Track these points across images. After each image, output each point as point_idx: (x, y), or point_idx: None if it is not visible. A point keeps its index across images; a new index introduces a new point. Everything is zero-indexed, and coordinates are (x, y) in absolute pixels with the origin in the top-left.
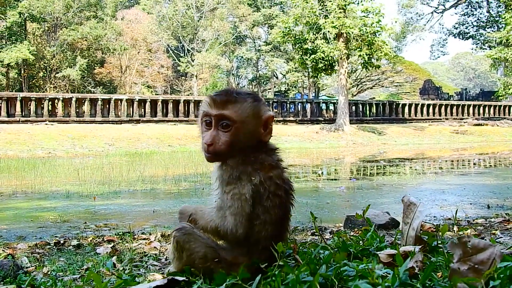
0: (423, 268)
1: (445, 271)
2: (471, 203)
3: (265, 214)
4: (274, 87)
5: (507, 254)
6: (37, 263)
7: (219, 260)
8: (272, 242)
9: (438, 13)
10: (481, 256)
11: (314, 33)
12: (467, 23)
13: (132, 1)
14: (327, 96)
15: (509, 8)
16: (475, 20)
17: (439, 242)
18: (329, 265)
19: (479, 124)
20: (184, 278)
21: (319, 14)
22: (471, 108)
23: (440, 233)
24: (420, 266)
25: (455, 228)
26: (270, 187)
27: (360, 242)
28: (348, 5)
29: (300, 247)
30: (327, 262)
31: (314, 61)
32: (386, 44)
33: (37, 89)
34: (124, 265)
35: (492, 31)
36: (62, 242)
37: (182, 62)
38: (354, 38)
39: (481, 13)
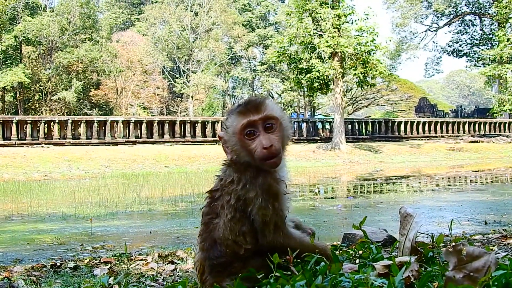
0: (419, 277)
1: (441, 281)
2: (468, 220)
3: None
4: None
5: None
6: (34, 285)
7: None
8: None
9: (432, 31)
10: (476, 264)
11: (309, 52)
12: (461, 41)
13: (127, 23)
14: (323, 115)
15: (502, 25)
16: (469, 38)
17: (435, 252)
18: (325, 276)
19: (475, 141)
20: None
21: (313, 33)
22: (466, 125)
23: (436, 244)
24: (416, 275)
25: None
26: None
27: (356, 254)
28: (342, 24)
29: (296, 259)
30: (323, 273)
31: (309, 80)
32: (381, 63)
33: (33, 112)
34: (120, 280)
35: (486, 48)
36: (58, 264)
37: (178, 83)
38: (348, 57)
39: (474, 31)
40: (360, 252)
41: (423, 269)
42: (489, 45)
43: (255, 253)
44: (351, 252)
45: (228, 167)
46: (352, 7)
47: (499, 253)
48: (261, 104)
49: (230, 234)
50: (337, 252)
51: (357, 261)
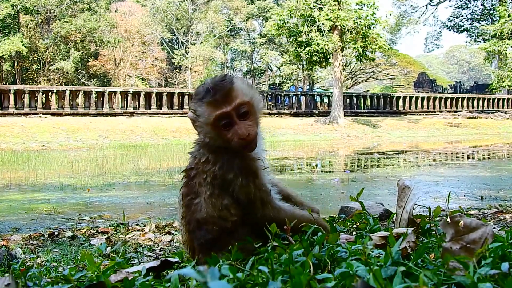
0: (416, 248)
1: (438, 252)
2: (464, 195)
3: None
4: (269, 79)
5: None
6: (31, 254)
7: None
8: None
9: (432, 5)
10: (473, 235)
11: (309, 25)
12: (462, 16)
13: None
14: (322, 89)
15: (503, 1)
16: (470, 13)
17: (432, 224)
18: (322, 246)
19: (473, 117)
20: (177, 259)
21: (313, 6)
22: (465, 101)
23: (433, 216)
24: (413, 246)
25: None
26: None
27: (354, 225)
28: None
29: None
30: (320, 243)
31: (309, 53)
32: (381, 37)
33: (31, 81)
34: (117, 248)
35: (487, 24)
36: (56, 233)
37: (177, 54)
38: (348, 31)
39: (475, 6)
40: (357, 223)
41: (420, 240)
42: (490, 20)
43: (242, 225)
44: (348, 223)
45: (201, 146)
46: None
47: (494, 228)
48: (230, 90)
49: (214, 211)
50: (334, 223)
51: (354, 232)
